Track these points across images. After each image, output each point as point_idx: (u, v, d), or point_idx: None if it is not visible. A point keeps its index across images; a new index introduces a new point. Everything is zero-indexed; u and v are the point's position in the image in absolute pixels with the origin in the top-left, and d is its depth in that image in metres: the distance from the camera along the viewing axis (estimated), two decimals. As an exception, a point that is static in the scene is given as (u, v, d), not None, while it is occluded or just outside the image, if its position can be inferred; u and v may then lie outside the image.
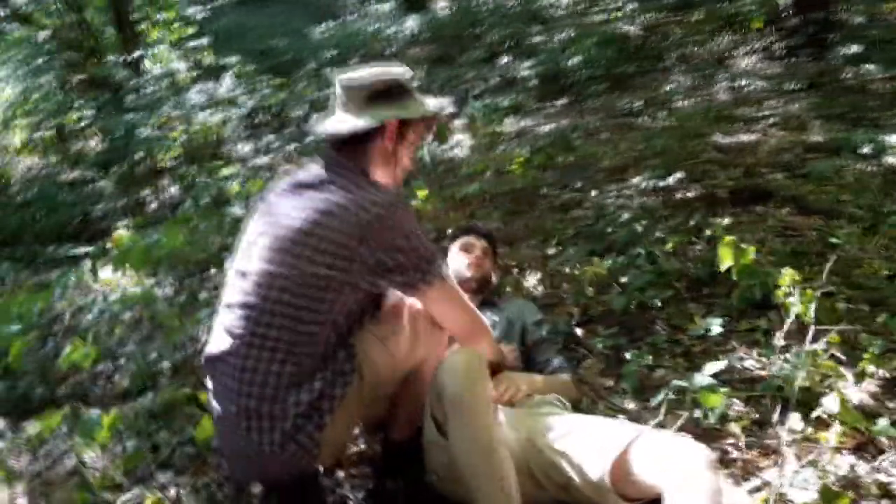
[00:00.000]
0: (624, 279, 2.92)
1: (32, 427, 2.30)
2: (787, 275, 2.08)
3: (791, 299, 2.07)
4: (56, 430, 2.29)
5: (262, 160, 5.11)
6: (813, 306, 2.04)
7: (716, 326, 2.48)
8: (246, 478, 2.00)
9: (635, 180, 3.98)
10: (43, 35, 5.93)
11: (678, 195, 3.75)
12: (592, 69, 5.76)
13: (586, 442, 1.88)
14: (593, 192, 3.91)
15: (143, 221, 3.20)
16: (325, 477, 2.19)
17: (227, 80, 6.16)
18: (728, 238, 2.22)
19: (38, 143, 6.00)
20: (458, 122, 5.65)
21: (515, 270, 3.21)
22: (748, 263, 2.21)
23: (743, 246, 2.22)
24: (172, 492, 2.13)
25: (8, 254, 3.83)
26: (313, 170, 1.91)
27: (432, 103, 2.01)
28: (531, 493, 1.95)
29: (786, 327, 2.13)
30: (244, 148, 5.31)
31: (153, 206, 4.43)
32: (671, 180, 3.86)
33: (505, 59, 6.62)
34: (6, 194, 4.98)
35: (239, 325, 1.78)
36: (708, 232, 3.19)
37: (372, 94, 1.89)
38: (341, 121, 1.89)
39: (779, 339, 2.15)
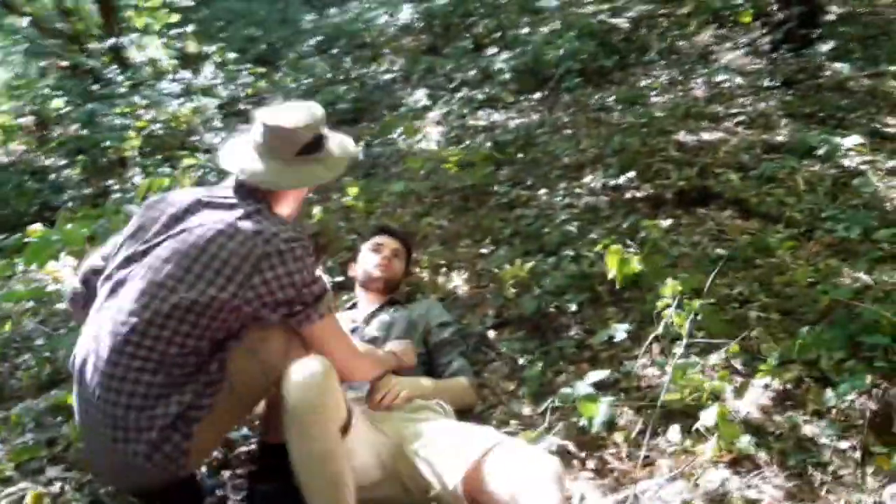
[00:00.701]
0: (547, 281, 2.89)
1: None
2: (670, 286, 2.05)
3: (669, 310, 2.05)
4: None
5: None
6: (690, 318, 2.02)
7: (620, 333, 2.45)
8: (115, 485, 2.02)
9: (587, 179, 3.94)
10: (25, 21, 5.99)
11: (626, 195, 3.70)
12: (571, 62, 5.69)
13: (447, 449, 1.89)
14: (542, 191, 3.87)
15: (87, 211, 3.22)
16: (210, 477, 2.21)
17: (207, 69, 6.17)
18: (614, 247, 2.20)
19: (16, 130, 6.08)
20: (432, 115, 5.62)
21: (444, 269, 3.19)
22: (631, 273, 2.18)
23: (627, 254, 2.20)
24: (57, 486, 2.16)
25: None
26: (223, 190, 1.94)
27: (342, 149, 2.06)
28: (400, 498, 1.96)
29: (651, 338, 2.11)
30: (214, 138, 5.33)
31: (116, 196, 4.46)
32: (622, 179, 3.81)
33: (488, 52, 6.57)
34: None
35: (111, 332, 1.78)
36: (643, 234, 3.15)
37: (301, 149, 1.93)
38: (267, 171, 1.92)
39: (654, 351, 2.12)
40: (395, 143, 4.97)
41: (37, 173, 5.21)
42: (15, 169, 5.38)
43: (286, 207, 2.03)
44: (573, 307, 2.73)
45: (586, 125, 4.84)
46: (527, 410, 2.36)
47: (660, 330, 2.08)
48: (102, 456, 1.83)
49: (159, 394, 1.74)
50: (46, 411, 2.50)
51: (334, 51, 6.59)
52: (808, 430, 2.01)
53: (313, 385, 1.67)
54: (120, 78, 5.31)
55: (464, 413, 2.33)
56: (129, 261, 1.85)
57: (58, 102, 5.92)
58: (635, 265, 2.19)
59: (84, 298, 1.99)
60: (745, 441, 1.91)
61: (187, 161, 4.71)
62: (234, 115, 6.15)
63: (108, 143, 4.66)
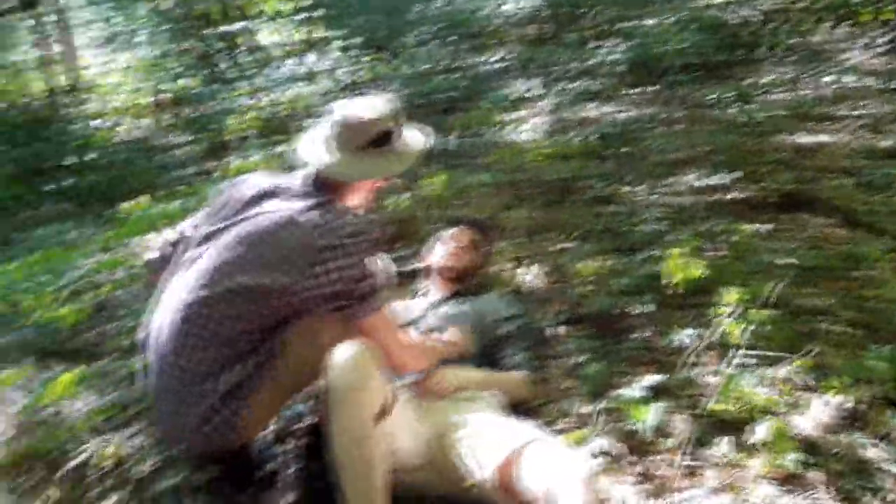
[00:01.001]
0: (624, 280, 2.85)
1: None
2: (734, 293, 1.99)
3: (727, 318, 1.99)
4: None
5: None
6: (746, 327, 1.95)
7: (685, 338, 2.40)
8: (175, 448, 2.18)
9: (687, 177, 3.84)
10: (166, 4, 6.40)
11: (725, 196, 3.58)
12: (687, 57, 5.52)
13: (486, 441, 1.92)
14: (639, 187, 3.80)
15: (188, 189, 3.45)
16: (265, 450, 2.33)
17: (329, 54, 6.39)
18: (677, 251, 2.15)
19: (148, 108, 6.53)
20: (542, 104, 5.60)
21: (524, 262, 3.20)
22: (693, 277, 2.13)
23: (692, 261, 2.14)
24: (137, 441, 2.34)
25: (83, 212, 4.24)
26: (293, 179, 2.06)
27: (413, 144, 2.14)
28: (439, 487, 2.02)
29: (702, 345, 2.05)
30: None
31: (216, 175, 4.71)
32: (724, 179, 3.70)
33: (602, 42, 6.45)
34: (101, 155, 5.43)
35: (177, 307, 1.92)
36: (735, 238, 3.05)
37: (370, 141, 2.02)
38: (337, 162, 2.02)
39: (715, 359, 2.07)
40: (489, 133, 4.98)
41: (160, 150, 5.58)
42: (142, 145, 5.79)
43: (356, 199, 2.12)
44: (645, 308, 2.68)
45: (696, 121, 4.70)
46: (582, 409, 2.35)
47: (714, 337, 2.02)
48: (164, 421, 1.98)
49: (213, 369, 1.86)
50: (128, 375, 2.70)
51: (450, 38, 6.65)
52: (869, 453, 1.92)
53: (351, 368, 1.74)
54: (245, 60, 5.59)
55: (516, 407, 2.36)
56: (203, 240, 1.99)
57: (186, 83, 6.28)
58: (697, 270, 2.13)
59: (159, 267, 2.14)
60: (797, 458, 1.84)
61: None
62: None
63: (224, 123, 4.93)
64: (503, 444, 1.87)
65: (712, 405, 1.97)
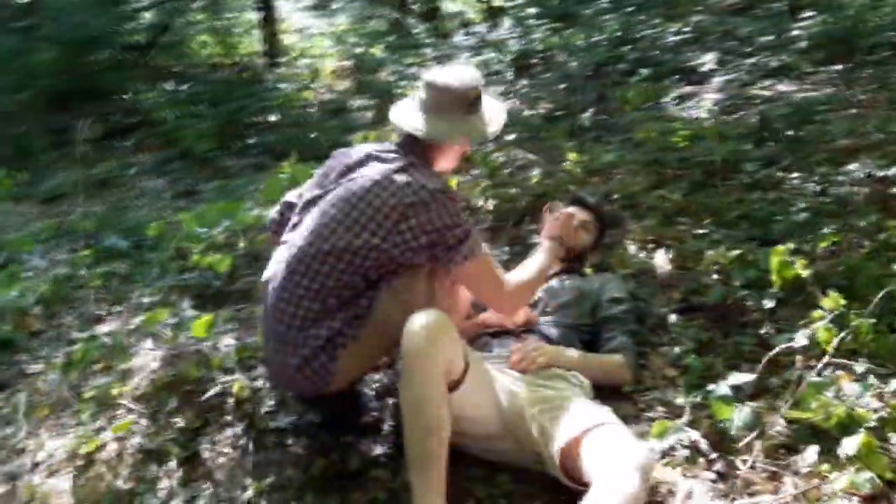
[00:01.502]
0: (751, 272, 2.74)
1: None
2: (831, 298, 1.88)
3: (821, 323, 1.88)
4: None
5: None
6: (840, 335, 1.84)
7: (802, 338, 2.28)
8: (281, 388, 2.42)
9: (853, 166, 3.55)
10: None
11: (892, 189, 3.30)
12: (889, 33, 5.03)
13: (558, 419, 1.98)
14: (797, 174, 3.58)
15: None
16: (375, 399, 2.51)
17: (505, 23, 6.44)
18: (781, 248, 2.04)
19: (341, 71, 6.94)
20: (716, 81, 5.35)
21: (653, 244, 3.15)
22: (791, 277, 2.02)
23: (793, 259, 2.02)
24: (259, 383, 2.61)
25: (270, 167, 4.61)
26: (389, 145, 2.24)
27: (497, 110, 2.27)
28: (513, 458, 2.10)
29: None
30: (498, 92, 5.60)
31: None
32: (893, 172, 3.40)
33: (804, 14, 6.00)
34: (296, 115, 5.85)
35: (287, 261, 2.14)
36: (882, 236, 2.82)
37: (466, 105, 2.16)
38: (431, 125, 2.17)
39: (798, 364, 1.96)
40: (650, 108, 4.83)
41: (346, 112, 5.95)
42: (332, 107, 6.19)
43: (446, 162, 2.27)
44: (765, 303, 2.57)
45: (882, 105, 4.30)
46: (679, 400, 2.32)
47: (804, 342, 1.92)
48: (270, 362, 2.21)
49: (315, 318, 2.06)
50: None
51: (629, 8, 6.46)
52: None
53: (423, 334, 1.85)
54: (417, 30, 5.78)
55: (614, 390, 2.37)
56: (309, 203, 2.18)
57: (375, 49, 6.58)
58: (797, 269, 2.01)
59: (277, 227, 2.37)
60: (862, 476, 1.73)
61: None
62: (525, 69, 6.37)
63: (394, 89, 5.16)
64: (572, 424, 1.92)
65: (797, 412, 1.88)
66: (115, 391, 2.62)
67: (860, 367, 1.99)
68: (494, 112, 2.26)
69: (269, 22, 7.71)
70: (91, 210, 4.67)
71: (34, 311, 3.36)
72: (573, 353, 2.35)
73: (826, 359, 1.91)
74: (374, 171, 2.12)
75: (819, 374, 1.95)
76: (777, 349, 2.09)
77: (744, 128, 4.21)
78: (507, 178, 3.84)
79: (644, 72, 4.96)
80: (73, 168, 5.44)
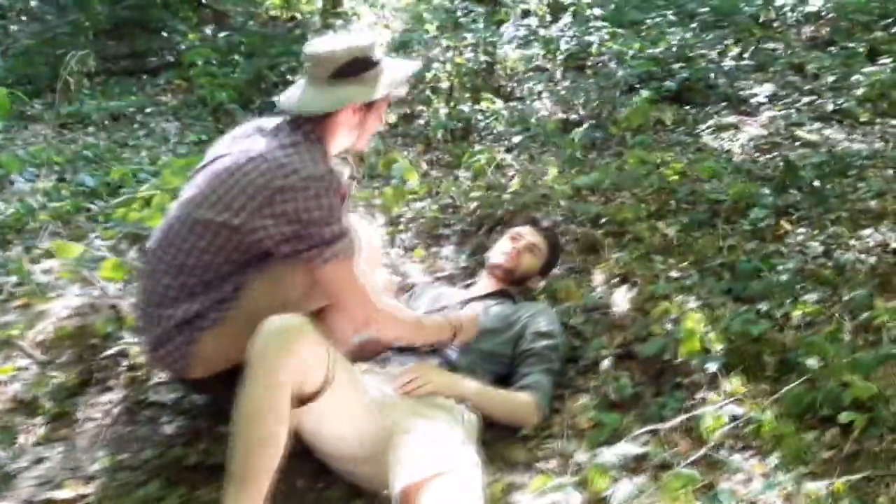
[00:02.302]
0: (708, 329, 2.47)
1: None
2: (733, 382, 1.62)
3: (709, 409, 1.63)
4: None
5: (535, 105, 5.13)
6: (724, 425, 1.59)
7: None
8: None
9: (869, 231, 3.22)
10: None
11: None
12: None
13: (413, 454, 1.79)
14: (805, 229, 3.26)
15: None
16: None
17: (563, 20, 6.17)
18: (694, 315, 1.79)
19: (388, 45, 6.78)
20: (767, 114, 4.99)
21: (619, 279, 2.90)
22: (695, 350, 1.77)
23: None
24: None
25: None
26: (277, 121, 2.03)
27: (397, 73, 1.99)
28: (378, 485, 1.92)
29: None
30: (533, 87, 5.36)
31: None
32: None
33: (881, 61, 5.56)
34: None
35: (158, 233, 2.00)
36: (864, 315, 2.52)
37: (336, 70, 1.94)
38: (304, 97, 1.98)
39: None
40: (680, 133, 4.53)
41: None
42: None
43: (343, 139, 2.05)
44: (712, 367, 2.31)
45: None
46: (580, 456, 2.10)
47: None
48: (137, 335, 2.08)
49: (174, 297, 1.90)
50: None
51: (694, 24, 6.11)
52: None
53: (273, 341, 1.67)
54: (470, 13, 5.56)
55: (510, 430, 2.17)
56: (194, 174, 2.02)
57: (429, 26, 6.39)
58: (706, 341, 1.77)
59: None
60: None
61: (485, 104, 4.83)
62: (575, 69, 6.10)
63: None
64: (423, 463, 1.73)
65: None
66: (15, 332, 2.53)
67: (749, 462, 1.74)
68: (394, 73, 2.03)
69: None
70: (89, 142, 4.64)
71: (-13, 235, 3.30)
72: (471, 384, 2.14)
73: (703, 450, 1.67)
74: (253, 145, 1.93)
75: (692, 464, 1.71)
76: (648, 427, 1.86)
77: (771, 170, 3.88)
78: (495, 183, 3.62)
79: (644, 92, 4.64)
80: (96, 98, 5.45)
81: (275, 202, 1.82)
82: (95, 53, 6.13)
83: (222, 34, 6.24)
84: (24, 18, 7.50)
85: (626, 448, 1.84)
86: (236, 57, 5.88)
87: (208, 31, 6.36)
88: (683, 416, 1.87)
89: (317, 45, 1.99)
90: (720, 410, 1.82)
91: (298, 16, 7.80)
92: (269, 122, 2.05)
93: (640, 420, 2.20)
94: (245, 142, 1.98)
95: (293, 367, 1.69)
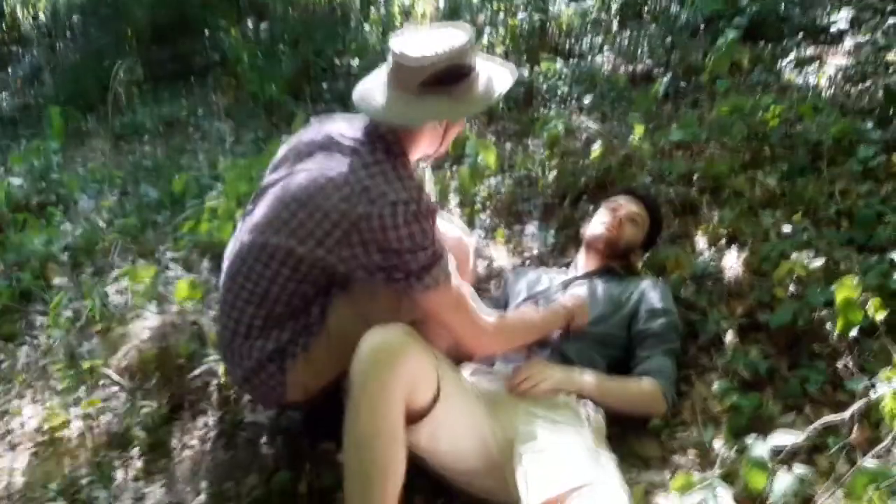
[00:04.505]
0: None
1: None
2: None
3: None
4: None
5: (598, 59, 4.85)
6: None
7: (882, 385, 1.80)
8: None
9: None
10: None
11: None
12: None
13: (544, 468, 1.61)
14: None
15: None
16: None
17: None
18: (849, 281, 1.56)
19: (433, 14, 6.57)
20: (848, 43, 4.62)
21: (725, 242, 2.66)
22: (856, 321, 1.55)
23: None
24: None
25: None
26: (352, 128, 1.82)
27: (493, 83, 1.79)
28: (493, 489, 1.76)
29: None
30: (592, 42, 5.07)
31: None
32: None
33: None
34: (366, 61, 5.48)
35: (232, 258, 1.84)
36: None
37: (428, 79, 1.70)
38: (390, 105, 1.74)
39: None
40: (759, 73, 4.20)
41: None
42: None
43: (425, 148, 1.84)
44: (852, 331, 2.07)
45: None
46: (717, 443, 1.90)
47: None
48: (225, 362, 1.95)
49: (261, 326, 1.76)
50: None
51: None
52: None
53: (376, 357, 1.51)
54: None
55: (636, 423, 1.97)
56: (264, 189, 1.85)
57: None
58: (860, 313, 1.55)
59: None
60: None
61: (545, 66, 4.58)
62: (633, 18, 5.76)
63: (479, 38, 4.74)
64: (555, 480, 1.55)
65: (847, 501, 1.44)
66: (101, 360, 2.43)
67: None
68: (482, 86, 1.76)
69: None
70: (145, 151, 4.55)
71: (61, 259, 3.22)
72: (589, 377, 1.95)
73: (889, 439, 1.45)
74: (330, 164, 1.72)
75: (879, 456, 1.49)
76: (825, 418, 1.64)
77: (867, 102, 3.56)
78: (572, 149, 3.39)
79: (732, 33, 4.29)
80: (148, 106, 5.36)
81: (362, 230, 1.64)
82: (140, 61, 6.07)
83: (263, 27, 6.08)
84: (67, 35, 7.48)
85: (785, 438, 1.61)
86: (281, 47, 5.71)
87: (249, 24, 6.20)
88: (861, 402, 1.62)
89: (407, 46, 1.71)
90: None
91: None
92: (340, 125, 1.84)
93: (781, 399, 1.99)
94: (320, 157, 1.77)
95: (402, 384, 1.53)
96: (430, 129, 1.81)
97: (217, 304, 2.26)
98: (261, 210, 1.78)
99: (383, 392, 1.50)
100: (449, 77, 1.70)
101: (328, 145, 1.78)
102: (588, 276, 2.28)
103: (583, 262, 2.36)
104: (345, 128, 1.82)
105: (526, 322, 2.00)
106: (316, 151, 1.79)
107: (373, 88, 1.78)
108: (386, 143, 1.74)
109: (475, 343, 1.83)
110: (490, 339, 1.85)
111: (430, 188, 3.02)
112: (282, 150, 1.92)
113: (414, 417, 1.59)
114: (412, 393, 1.55)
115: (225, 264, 1.85)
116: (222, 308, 1.83)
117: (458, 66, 1.71)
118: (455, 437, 1.71)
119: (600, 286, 2.22)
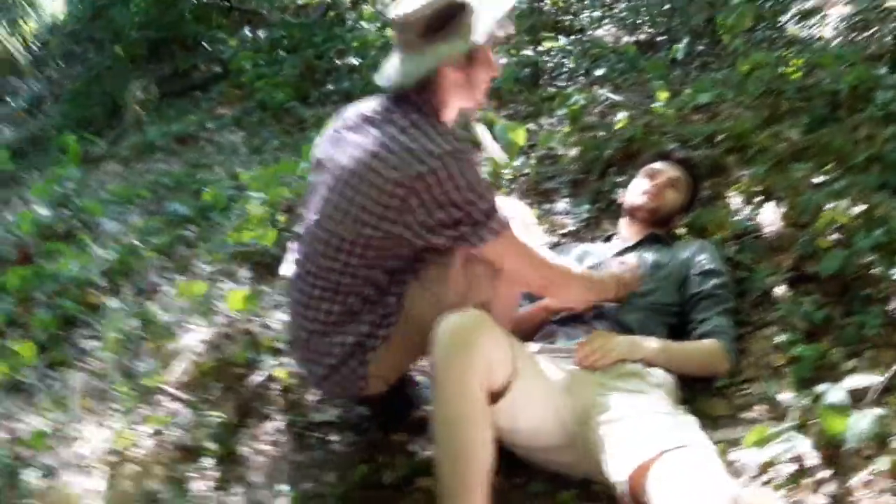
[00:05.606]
0: (879, 232, 2.25)
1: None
2: None
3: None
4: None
5: (598, 33, 4.86)
6: None
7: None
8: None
9: None
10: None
11: None
12: None
13: (626, 437, 1.64)
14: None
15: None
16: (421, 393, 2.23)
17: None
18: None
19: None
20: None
21: (760, 197, 2.67)
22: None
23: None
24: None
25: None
26: (380, 104, 1.85)
27: (493, 9, 1.79)
28: (582, 470, 1.79)
29: None
30: (591, 15, 5.09)
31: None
32: None
33: None
34: (368, 57, 5.49)
35: (301, 257, 1.87)
36: None
37: (425, 28, 1.73)
38: (401, 68, 1.79)
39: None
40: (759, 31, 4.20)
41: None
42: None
43: (454, 101, 1.85)
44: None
45: None
46: (784, 396, 1.92)
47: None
48: (299, 362, 1.97)
49: (338, 321, 1.78)
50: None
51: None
52: None
53: (454, 340, 1.55)
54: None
55: (700, 384, 2.00)
56: (313, 188, 1.89)
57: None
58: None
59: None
60: None
61: (548, 44, 4.59)
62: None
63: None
64: (643, 445, 1.57)
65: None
66: (158, 377, 2.46)
67: None
68: (490, 11, 1.78)
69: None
70: (161, 168, 4.57)
71: (99, 283, 3.25)
72: (653, 343, 1.97)
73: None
74: (367, 140, 1.75)
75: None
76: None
77: (876, 48, 3.57)
78: (591, 123, 3.40)
79: None
80: (156, 124, 5.38)
81: (419, 191, 1.66)
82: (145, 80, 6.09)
83: (261, 33, 6.08)
84: (62, 64, 7.49)
85: (860, 380, 1.64)
86: (281, 53, 5.73)
87: (246, 32, 6.20)
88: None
89: (398, 7, 1.78)
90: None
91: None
92: (368, 106, 1.87)
93: (841, 345, 2.01)
94: (356, 137, 1.80)
95: (481, 366, 1.56)
96: (450, 78, 1.81)
97: (262, 308, 2.25)
98: (317, 205, 1.82)
99: (463, 374, 1.54)
100: (441, 20, 1.74)
101: (362, 125, 1.81)
102: (636, 246, 2.30)
103: (627, 232, 2.38)
104: (373, 105, 1.86)
105: (586, 275, 2.03)
106: (353, 133, 1.82)
107: (390, 65, 1.83)
108: (415, 105, 1.77)
109: (546, 284, 1.90)
110: (559, 279, 1.90)
111: (491, 145, 3.01)
112: (320, 145, 1.95)
113: (493, 398, 1.62)
114: (490, 373, 1.59)
115: (295, 264, 1.88)
116: (295, 310, 1.85)
117: (447, 5, 1.74)
118: (533, 414, 1.74)
119: (649, 255, 2.24)
